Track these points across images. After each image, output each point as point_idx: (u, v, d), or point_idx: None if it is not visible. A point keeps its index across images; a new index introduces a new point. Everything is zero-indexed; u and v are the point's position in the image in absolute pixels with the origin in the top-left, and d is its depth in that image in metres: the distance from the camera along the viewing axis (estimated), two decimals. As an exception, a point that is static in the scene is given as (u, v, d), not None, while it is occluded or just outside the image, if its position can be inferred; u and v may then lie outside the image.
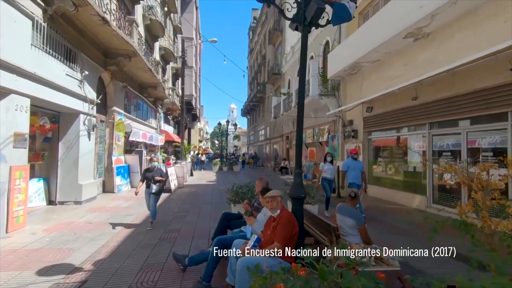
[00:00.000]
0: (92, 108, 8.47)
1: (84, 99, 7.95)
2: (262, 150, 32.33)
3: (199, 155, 26.26)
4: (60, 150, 7.66)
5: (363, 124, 10.29)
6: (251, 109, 39.25)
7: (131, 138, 11.70)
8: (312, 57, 15.54)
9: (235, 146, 53.57)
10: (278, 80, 24.04)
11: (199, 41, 36.41)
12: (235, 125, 23.75)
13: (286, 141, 21.13)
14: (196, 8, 34.95)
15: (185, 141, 18.57)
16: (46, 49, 6.22)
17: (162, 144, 17.09)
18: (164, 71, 20.30)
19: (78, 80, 7.68)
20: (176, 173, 11.85)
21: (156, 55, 16.32)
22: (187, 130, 36.01)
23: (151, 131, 15.81)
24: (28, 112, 5.63)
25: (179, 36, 24.65)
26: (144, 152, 13.81)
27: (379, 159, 10.06)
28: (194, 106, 32.73)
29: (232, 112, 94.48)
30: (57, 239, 4.81)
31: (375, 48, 8.40)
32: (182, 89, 17.79)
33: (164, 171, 6.02)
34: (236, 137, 54.96)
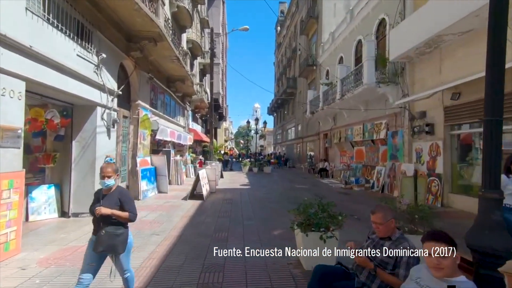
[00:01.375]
0: (112, 100, 7.06)
1: (101, 88, 6.54)
2: (292, 150, 30.28)
3: (227, 155, 24.82)
4: (74, 151, 6.29)
5: (444, 115, 8.01)
6: (279, 107, 37.31)
7: (158, 137, 10.30)
8: (360, 41, 13.37)
9: (261, 146, 51.90)
10: (313, 72, 21.91)
11: (227, 32, 35.14)
12: (265, 122, 21.90)
13: (324, 140, 18.97)
14: (223, 2, 33.67)
15: (215, 141, 17.11)
16: (48, 18, 4.79)
17: (191, 143, 15.74)
18: (191, 66, 19.03)
19: (93, 64, 6.27)
20: (208, 176, 10.27)
21: (184, 47, 14.98)
22: (213, 130, 34.95)
23: (179, 129, 14.47)
24: (22, 100, 4.20)
25: (206, 30, 23.37)
26: (172, 152, 12.44)
27: (468, 160, 7.75)
28: (221, 105, 31.44)
29: (256, 111, 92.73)
30: (51, 280, 3.28)
31: (474, 12, 6.18)
32: (211, 84, 16.32)
33: (125, 195, 2.70)
34: (262, 136, 53.27)
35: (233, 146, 66.72)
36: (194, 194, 9.06)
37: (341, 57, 15.94)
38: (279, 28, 40.78)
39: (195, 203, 8.26)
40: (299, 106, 26.59)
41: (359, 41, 13.61)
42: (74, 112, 6.37)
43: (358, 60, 13.77)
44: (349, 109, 13.51)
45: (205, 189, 9.32)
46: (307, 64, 21.90)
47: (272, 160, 27.76)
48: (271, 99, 41.83)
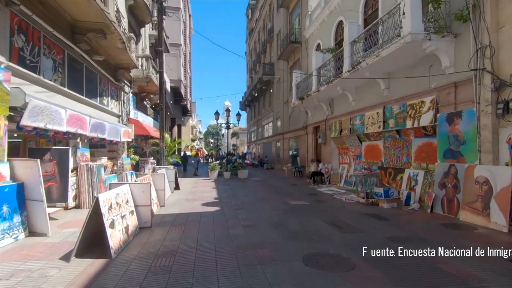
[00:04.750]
0: None
1: None
2: (269, 148, 25.93)
3: (192, 157, 19.70)
4: None
5: None
6: (253, 100, 32.83)
7: (28, 122, 5.11)
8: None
9: (234, 145, 47.06)
10: (296, 51, 17.70)
11: (191, 14, 29.92)
12: (238, 114, 17.23)
13: (315, 134, 14.78)
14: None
15: (167, 137, 12.07)
16: None
17: (130, 139, 10.56)
18: (136, 35, 13.75)
19: None
20: (136, 199, 5.40)
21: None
22: (176, 127, 29.44)
23: (104, 117, 9.27)
24: None
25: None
26: (80, 152, 7.35)
27: None
28: (183, 96, 26.13)
29: (229, 113, 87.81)
30: None
31: None
32: (159, 53, 11.30)
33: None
34: (235, 134, 48.44)
35: (202, 146, 60.98)
36: (91, 244, 4.16)
37: (340, 22, 11.80)
38: (250, 12, 36.31)
39: (84, 273, 3.39)
40: (278, 97, 22.31)
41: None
42: None
43: (368, 20, 9.67)
44: (362, 89, 9.39)
45: (119, 231, 4.44)
46: (289, 42, 17.61)
47: (247, 161, 23.22)
48: (243, 97, 37.17)
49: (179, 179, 12.15)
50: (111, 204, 4.42)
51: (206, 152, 42.80)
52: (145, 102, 15.84)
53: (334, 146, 12.75)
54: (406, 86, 7.96)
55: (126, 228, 4.75)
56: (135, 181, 7.27)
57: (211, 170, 14.70)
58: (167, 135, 12.10)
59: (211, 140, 48.22)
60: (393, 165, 9.10)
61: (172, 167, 10.85)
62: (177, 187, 10.94)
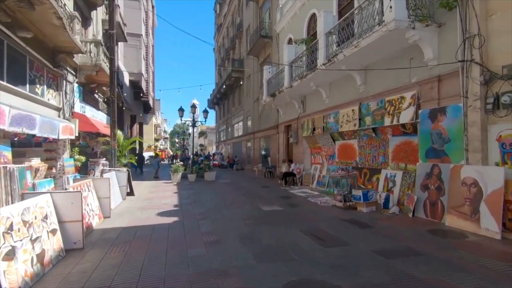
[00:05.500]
0: None
1: None
2: (239, 148, 24.90)
3: (154, 157, 17.91)
4: None
5: None
6: (222, 98, 31.61)
7: None
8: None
9: (201, 145, 45.19)
10: (267, 47, 16.92)
11: (154, 5, 27.85)
12: (206, 111, 16.00)
13: (287, 133, 14.08)
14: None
15: (120, 133, 10.46)
16: None
17: (73, 137, 8.84)
18: (85, 17, 11.93)
19: None
20: (61, 213, 4.08)
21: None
22: (137, 125, 27.12)
23: (39, 109, 7.57)
24: None
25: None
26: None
27: None
28: (145, 91, 24.08)
29: (195, 109, 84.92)
30: None
31: None
32: (111, 37, 9.73)
33: None
34: (202, 134, 46.57)
35: (167, 147, 57.97)
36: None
37: (313, 15, 11.18)
38: (218, 7, 34.99)
39: None
40: (248, 95, 21.40)
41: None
42: None
43: (342, 13, 9.10)
44: (335, 84, 8.80)
45: (25, 262, 3.13)
46: (259, 36, 16.75)
47: (215, 162, 21.97)
48: (212, 94, 35.65)
49: (135, 183, 10.68)
50: (11, 225, 3.10)
51: (171, 153, 40.48)
52: (96, 95, 13.92)
53: (307, 145, 12.12)
54: (384, 80, 7.46)
55: (40, 255, 3.44)
56: (65, 188, 5.82)
57: (174, 173, 13.29)
58: (119, 133, 10.49)
59: (177, 140, 45.78)
60: (368, 166, 8.61)
61: (125, 169, 9.34)
62: (131, 192, 9.48)
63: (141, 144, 28.43)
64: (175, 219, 6.21)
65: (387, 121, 7.36)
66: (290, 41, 13.25)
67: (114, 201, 7.74)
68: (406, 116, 6.79)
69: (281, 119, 14.62)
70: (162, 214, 6.76)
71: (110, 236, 4.99)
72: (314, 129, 11.02)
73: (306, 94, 11.69)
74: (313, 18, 11.30)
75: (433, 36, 5.98)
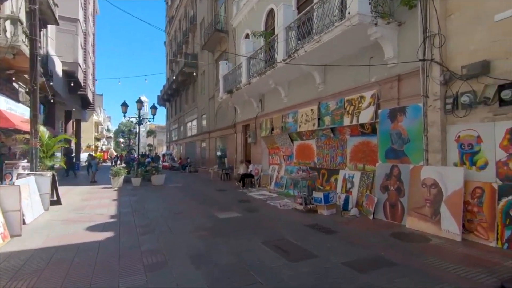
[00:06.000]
0: None
1: None
2: (193, 149, 23.50)
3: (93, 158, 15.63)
4: None
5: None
6: (173, 94, 29.74)
7: None
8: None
9: (150, 145, 41.94)
10: (222, 41, 16.11)
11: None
12: (154, 107, 14.53)
13: (245, 133, 13.45)
14: None
15: (43, 130, 8.61)
16: None
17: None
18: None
19: None
20: None
21: None
22: (73, 122, 23.78)
23: None
24: None
25: None
26: None
27: None
28: (82, 84, 21.18)
29: (142, 105, 79.36)
30: None
31: None
32: (33, 12, 7.95)
33: None
34: (151, 133, 43.26)
35: (110, 146, 52.87)
36: None
37: (271, 10, 10.76)
38: (171, -1, 32.93)
39: None
40: (203, 92, 20.27)
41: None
42: None
43: (301, 9, 8.80)
44: (297, 81, 8.46)
45: None
46: (214, 30, 15.84)
47: (165, 164, 20.31)
48: (162, 90, 33.27)
49: (66, 188, 8.97)
50: None
51: (115, 154, 36.80)
52: (16, 85, 11.52)
53: (265, 145, 11.65)
54: (344, 79, 7.30)
55: None
56: None
57: (114, 176, 11.63)
58: (43, 129, 8.64)
59: (121, 140, 41.84)
60: (326, 166, 8.43)
61: (49, 173, 7.66)
62: (57, 201, 7.84)
63: (78, 143, 25.07)
64: (109, 234, 5.06)
65: (347, 121, 7.19)
66: (247, 37, 12.67)
67: (31, 214, 6.20)
68: (365, 116, 6.67)
69: (238, 118, 13.94)
70: (93, 228, 5.52)
71: (14, 263, 3.73)
72: (272, 129, 10.58)
73: (265, 93, 11.21)
74: (271, 13, 10.88)
75: (394, 35, 5.91)
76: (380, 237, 4.79)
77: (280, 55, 8.30)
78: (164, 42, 35.67)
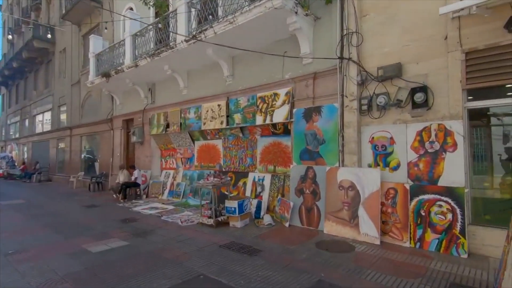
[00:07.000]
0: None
1: None
2: (45, 150, 17.64)
3: None
4: None
5: (465, 69, 4.07)
6: (13, 77, 21.93)
7: None
8: None
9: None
10: (96, 13, 12.66)
11: None
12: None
13: (128, 130, 10.76)
14: None
15: None
16: None
17: None
18: None
19: None
20: None
21: None
22: None
23: None
24: None
25: None
26: None
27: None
28: None
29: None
30: None
31: None
32: None
33: None
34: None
35: None
36: None
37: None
38: None
39: None
40: (62, 75, 15.46)
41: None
42: None
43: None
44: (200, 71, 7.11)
45: None
46: (82, -3, 12.16)
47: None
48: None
49: None
50: None
51: None
52: None
53: (156, 146, 9.59)
54: (257, 74, 6.59)
55: None
56: None
57: None
58: None
59: None
60: (234, 169, 7.52)
61: None
62: None
63: None
64: None
65: (260, 119, 6.49)
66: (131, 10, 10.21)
67: None
68: (280, 115, 6.14)
69: (118, 111, 11.07)
70: None
71: None
72: (168, 126, 8.76)
73: (157, 81, 9.21)
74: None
75: (310, 30, 5.60)
76: (306, 250, 4.22)
77: (181, 33, 6.73)
78: (-1, 4, 25.82)
